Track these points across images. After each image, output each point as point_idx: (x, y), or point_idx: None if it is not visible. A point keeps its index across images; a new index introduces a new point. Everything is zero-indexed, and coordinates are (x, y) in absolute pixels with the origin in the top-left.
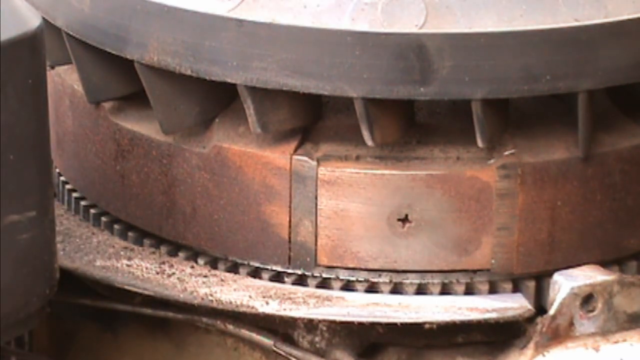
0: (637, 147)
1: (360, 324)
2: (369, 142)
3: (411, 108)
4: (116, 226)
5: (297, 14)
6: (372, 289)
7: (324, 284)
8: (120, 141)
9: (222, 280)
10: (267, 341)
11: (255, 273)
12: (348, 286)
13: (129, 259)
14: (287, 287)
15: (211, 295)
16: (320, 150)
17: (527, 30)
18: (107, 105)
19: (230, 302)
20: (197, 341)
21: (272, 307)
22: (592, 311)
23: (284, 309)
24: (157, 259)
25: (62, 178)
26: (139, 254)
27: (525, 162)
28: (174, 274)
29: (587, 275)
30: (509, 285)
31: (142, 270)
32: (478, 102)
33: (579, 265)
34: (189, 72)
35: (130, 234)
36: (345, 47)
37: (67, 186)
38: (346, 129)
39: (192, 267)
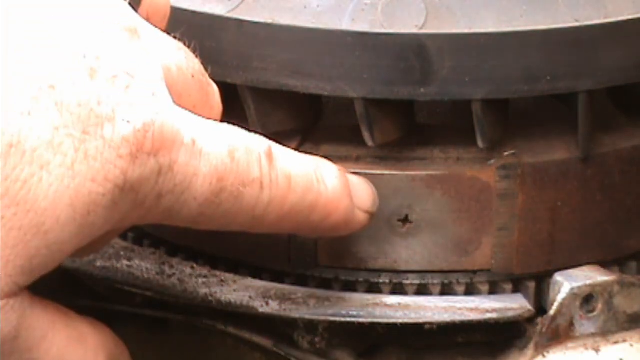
0: (637, 148)
1: (361, 324)
2: (369, 143)
3: (411, 108)
4: None
5: (297, 14)
6: (372, 289)
7: (324, 284)
8: None
9: (222, 280)
10: (267, 341)
11: (256, 273)
12: (348, 286)
13: (129, 259)
14: (287, 288)
15: (211, 295)
16: (320, 150)
17: (528, 31)
18: None
19: (230, 303)
20: (197, 342)
21: (272, 308)
22: (592, 311)
23: (284, 310)
24: (157, 259)
25: None
26: (139, 255)
27: (526, 163)
28: (174, 274)
29: (587, 276)
30: (509, 286)
31: (142, 270)
32: (478, 103)
33: (579, 265)
34: None
35: (130, 234)
36: (345, 48)
37: None
38: (346, 130)
39: (192, 267)
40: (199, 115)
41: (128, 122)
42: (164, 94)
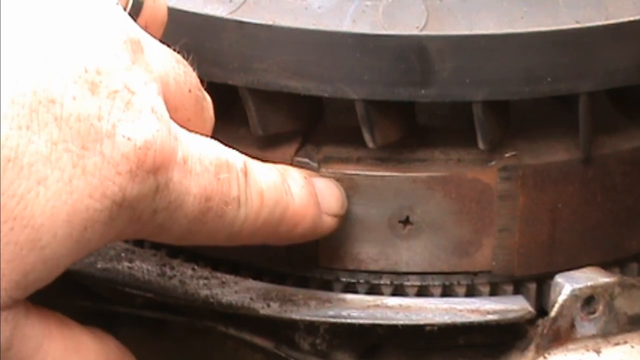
0: (637, 149)
1: (361, 325)
2: (370, 144)
3: (412, 110)
4: None
5: (298, 15)
6: (373, 290)
7: (325, 285)
8: None
9: (223, 282)
10: (268, 343)
11: (256, 275)
12: (349, 288)
13: (130, 261)
14: (288, 289)
15: (212, 297)
16: (321, 152)
17: (528, 32)
18: None
19: (231, 304)
20: (198, 343)
21: (273, 309)
22: (593, 313)
23: (285, 311)
24: (158, 261)
25: None
26: (140, 256)
27: (526, 164)
28: (175, 276)
29: (588, 277)
30: (510, 287)
31: (143, 272)
32: (479, 104)
33: (579, 266)
34: None
35: None
36: (346, 49)
37: None
38: (347, 131)
39: (193, 269)
40: (192, 129)
41: (128, 139)
42: (163, 110)
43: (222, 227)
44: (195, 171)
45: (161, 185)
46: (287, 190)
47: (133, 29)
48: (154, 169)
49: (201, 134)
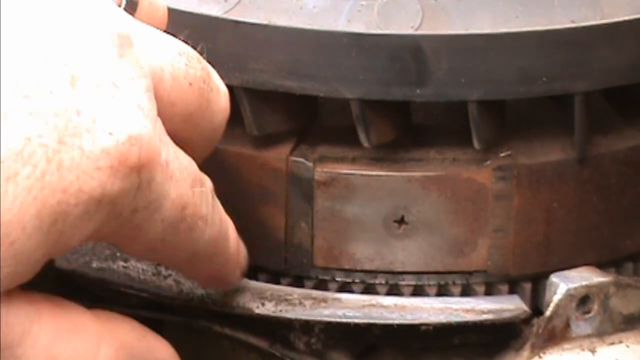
0: (633, 149)
1: (357, 325)
2: (365, 144)
3: (407, 109)
4: None
5: (293, 15)
6: (368, 290)
7: (320, 285)
8: None
9: None
10: (263, 343)
11: (252, 274)
12: (344, 288)
13: (126, 260)
14: (283, 289)
15: (207, 297)
16: (316, 151)
17: (523, 32)
18: None
19: (227, 304)
20: (193, 343)
21: (268, 309)
22: (588, 312)
23: (280, 311)
24: None
25: None
26: None
27: (522, 164)
28: (170, 275)
29: (583, 277)
30: (505, 287)
31: (138, 272)
32: (474, 104)
33: (575, 266)
34: None
35: None
36: (341, 49)
37: None
38: (342, 131)
39: None
40: (198, 124)
41: (110, 133)
42: (150, 108)
43: (189, 242)
44: (175, 177)
45: (143, 184)
46: (233, 235)
47: (123, 22)
48: (138, 166)
49: (210, 128)
